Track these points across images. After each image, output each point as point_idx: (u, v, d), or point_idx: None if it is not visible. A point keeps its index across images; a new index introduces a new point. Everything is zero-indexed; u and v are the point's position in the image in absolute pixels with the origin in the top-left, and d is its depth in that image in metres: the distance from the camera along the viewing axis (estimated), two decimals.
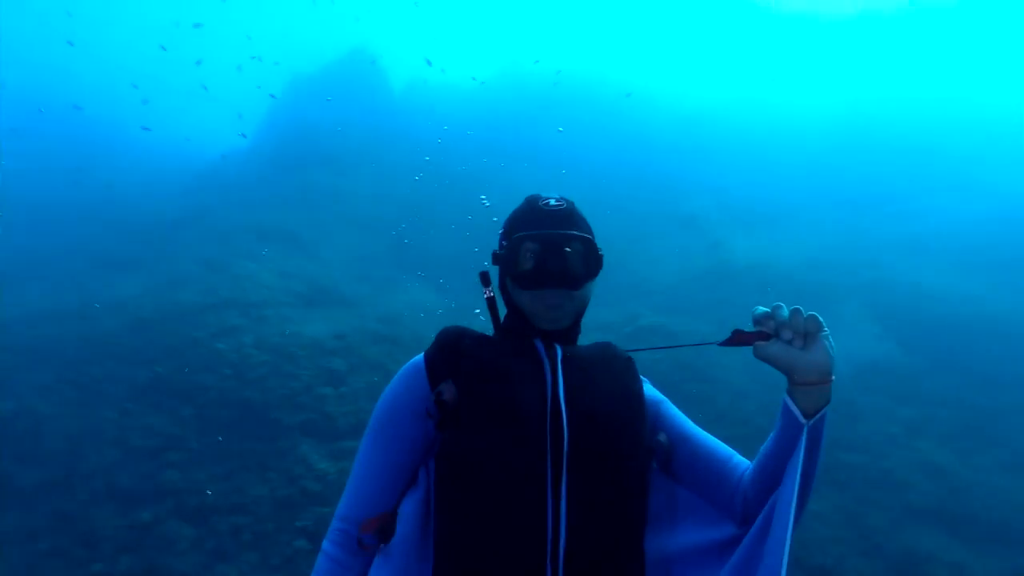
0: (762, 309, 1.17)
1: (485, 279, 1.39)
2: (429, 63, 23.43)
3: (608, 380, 1.28)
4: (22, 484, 6.93)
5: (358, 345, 9.30)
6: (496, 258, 1.37)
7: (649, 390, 1.38)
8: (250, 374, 8.15)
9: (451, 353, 1.27)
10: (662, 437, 1.31)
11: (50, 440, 7.39)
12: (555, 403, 1.19)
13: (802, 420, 1.12)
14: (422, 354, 1.30)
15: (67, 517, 6.52)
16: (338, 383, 8.31)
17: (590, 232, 1.36)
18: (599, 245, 1.35)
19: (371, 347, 9.33)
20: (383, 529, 1.22)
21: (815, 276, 12.48)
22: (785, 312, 1.13)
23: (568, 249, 1.29)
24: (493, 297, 1.39)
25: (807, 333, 1.13)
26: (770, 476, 1.18)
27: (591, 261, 1.32)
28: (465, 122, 28.52)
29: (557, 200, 1.34)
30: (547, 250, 1.28)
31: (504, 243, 1.35)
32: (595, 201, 18.43)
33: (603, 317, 11.63)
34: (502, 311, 1.40)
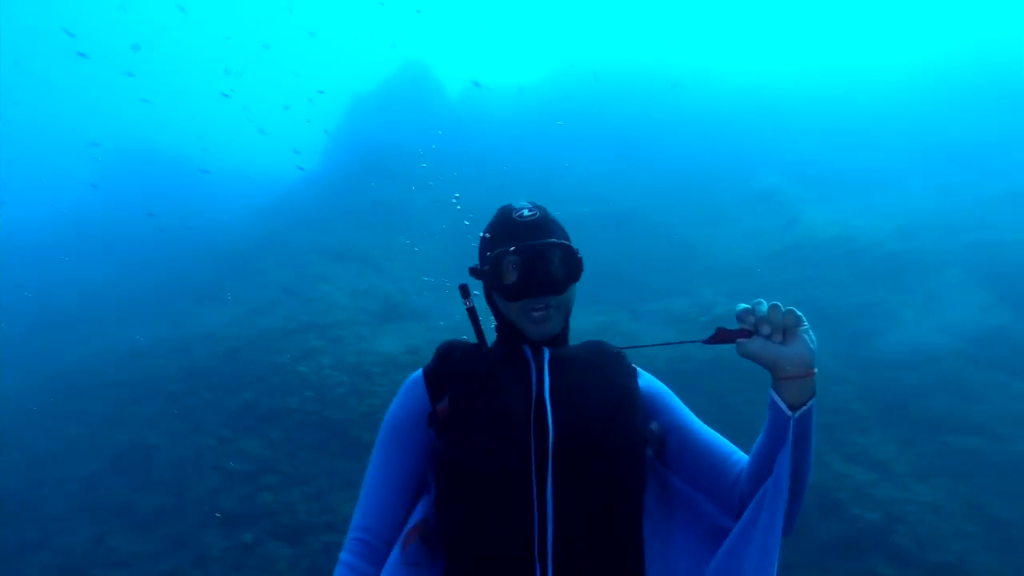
0: (743, 306, 1.19)
1: (465, 291, 1.43)
2: (478, 85, 23.65)
3: (596, 376, 1.32)
4: (141, 510, 7.49)
5: (430, 358, 9.43)
6: (479, 274, 1.42)
7: (648, 382, 1.41)
8: (330, 394, 8.45)
9: (445, 365, 1.35)
10: (654, 426, 1.35)
11: (160, 469, 7.94)
12: (540, 403, 1.24)
13: (788, 413, 1.16)
14: (422, 369, 1.39)
15: (181, 540, 6.97)
16: None
17: (566, 236, 1.42)
18: (577, 247, 1.40)
19: None
20: (425, 535, 1.27)
21: (909, 244, 11.51)
22: (764, 308, 1.16)
23: (548, 257, 1.34)
24: (473, 308, 1.43)
25: (786, 328, 1.15)
26: (763, 472, 1.20)
27: (571, 265, 1.37)
28: (521, 123, 28.55)
29: (530, 209, 1.40)
30: (528, 261, 1.33)
31: (486, 258, 1.40)
32: (659, 191, 17.96)
33: (676, 308, 11.25)
34: (488, 324, 1.47)
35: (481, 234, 1.47)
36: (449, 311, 12.23)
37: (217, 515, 7.03)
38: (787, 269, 11.85)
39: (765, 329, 1.15)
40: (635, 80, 28.29)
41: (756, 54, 28.24)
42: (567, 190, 19.42)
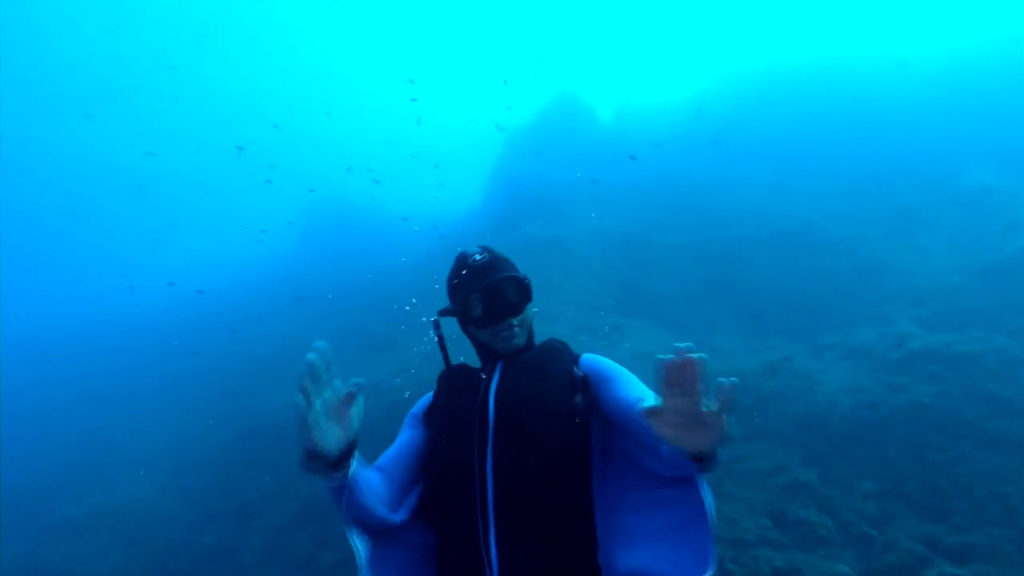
0: (672, 357, 1.18)
1: (436, 326, 1.85)
2: (628, 100, 23.23)
3: (536, 372, 1.67)
4: (321, 564, 8.11)
5: None
6: (452, 313, 1.82)
7: (590, 363, 1.73)
8: None
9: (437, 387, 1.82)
10: (578, 398, 1.61)
11: (336, 523, 8.52)
12: (485, 402, 1.61)
13: (691, 465, 1.30)
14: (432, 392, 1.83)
15: None
16: None
17: (515, 269, 1.83)
18: (525, 273, 1.82)
19: None
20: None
21: None
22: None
23: (502, 290, 1.75)
24: (441, 337, 1.86)
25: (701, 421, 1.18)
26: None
27: (522, 291, 1.78)
28: (680, 139, 27.52)
29: (480, 254, 1.81)
30: (488, 296, 1.73)
31: (455, 300, 1.81)
32: (836, 200, 16.03)
33: (861, 340, 9.74)
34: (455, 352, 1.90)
35: (448, 292, 1.86)
36: (604, 353, 11.84)
37: None
38: (1008, 288, 9.75)
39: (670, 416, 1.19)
40: (795, 82, 26.03)
41: (943, 31, 24.38)
42: (730, 209, 18.20)
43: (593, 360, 1.75)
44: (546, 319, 14.31)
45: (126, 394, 17.19)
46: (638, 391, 1.58)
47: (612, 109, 36.81)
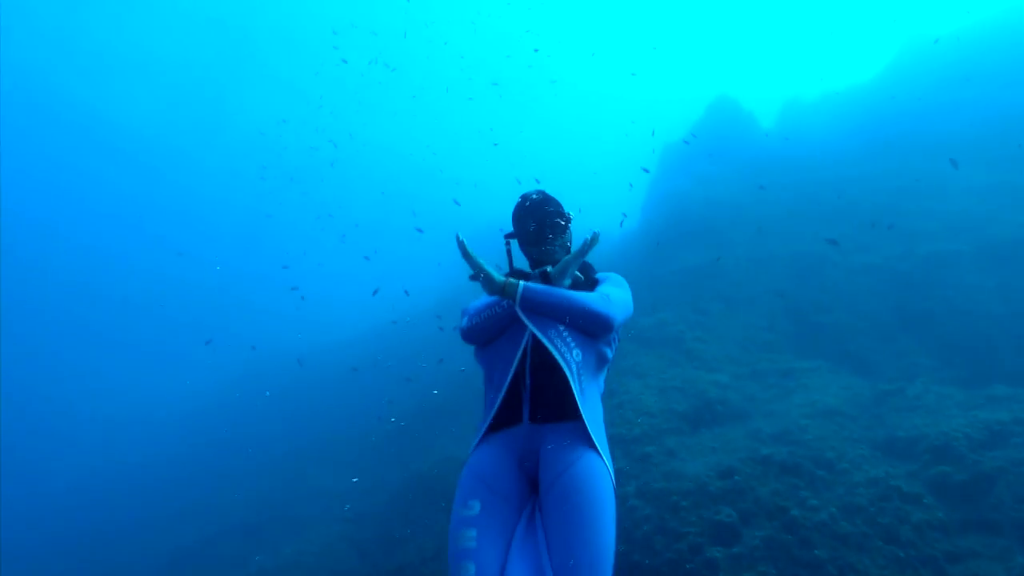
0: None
1: (507, 244, 2.69)
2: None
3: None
4: None
5: (749, 483, 8.08)
6: (515, 236, 2.63)
7: (602, 275, 2.62)
8: (636, 533, 7.84)
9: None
10: None
11: None
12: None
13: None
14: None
15: None
16: (730, 541, 7.28)
17: (559, 205, 2.55)
18: (569, 210, 2.61)
19: (765, 486, 7.99)
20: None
21: None
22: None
23: (548, 219, 2.53)
24: (510, 251, 2.70)
25: None
26: None
27: (564, 218, 2.54)
28: (858, 136, 24.57)
29: (536, 194, 2.58)
30: (539, 223, 2.51)
31: (516, 226, 2.58)
32: None
33: None
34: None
35: (512, 220, 2.63)
36: (772, 408, 10.54)
37: None
38: None
39: None
40: (1009, 46, 21.87)
41: None
42: (927, 218, 15.60)
43: (603, 272, 2.63)
44: (703, 365, 13.03)
45: (314, 442, 18.94)
46: (607, 289, 2.43)
47: (775, 110, 33.94)
